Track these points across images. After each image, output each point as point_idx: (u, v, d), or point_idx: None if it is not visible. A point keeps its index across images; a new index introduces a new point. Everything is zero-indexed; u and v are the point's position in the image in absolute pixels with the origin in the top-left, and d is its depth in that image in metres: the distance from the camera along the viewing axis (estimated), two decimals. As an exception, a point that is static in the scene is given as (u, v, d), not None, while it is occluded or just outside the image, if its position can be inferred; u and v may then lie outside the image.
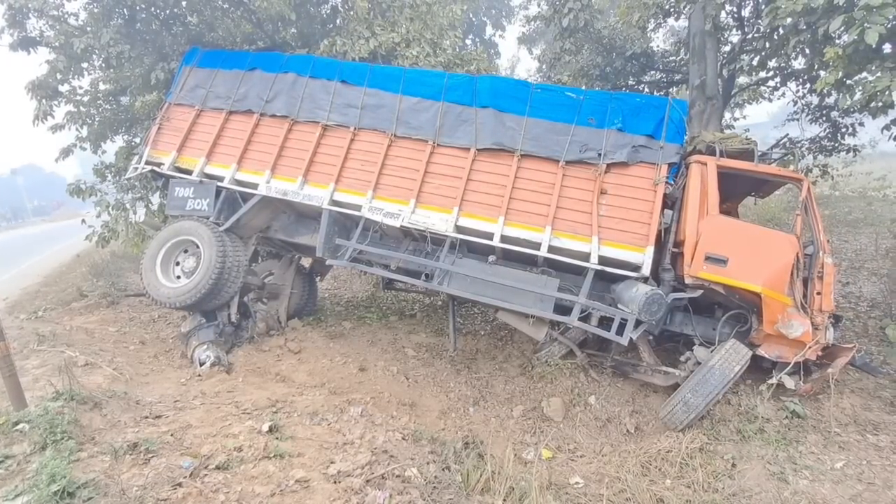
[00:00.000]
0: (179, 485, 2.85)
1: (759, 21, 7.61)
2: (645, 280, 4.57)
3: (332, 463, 3.30)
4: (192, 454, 3.21)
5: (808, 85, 9.31)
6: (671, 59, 10.69)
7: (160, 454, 3.18)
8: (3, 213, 44.60)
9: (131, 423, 3.67)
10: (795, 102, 10.17)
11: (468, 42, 17.11)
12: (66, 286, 9.39)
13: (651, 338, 5.21)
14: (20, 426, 3.26)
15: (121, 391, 4.23)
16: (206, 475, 3.00)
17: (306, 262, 7.38)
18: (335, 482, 3.09)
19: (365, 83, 5.69)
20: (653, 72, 10.90)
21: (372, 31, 6.91)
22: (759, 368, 4.72)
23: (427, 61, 6.97)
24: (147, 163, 6.09)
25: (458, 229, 5.04)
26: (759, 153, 4.86)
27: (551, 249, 4.75)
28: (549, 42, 13.87)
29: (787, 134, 7.19)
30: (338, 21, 7.98)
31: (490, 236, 4.89)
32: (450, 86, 5.46)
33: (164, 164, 5.96)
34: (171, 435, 3.48)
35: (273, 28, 7.77)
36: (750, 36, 8.54)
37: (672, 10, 8.55)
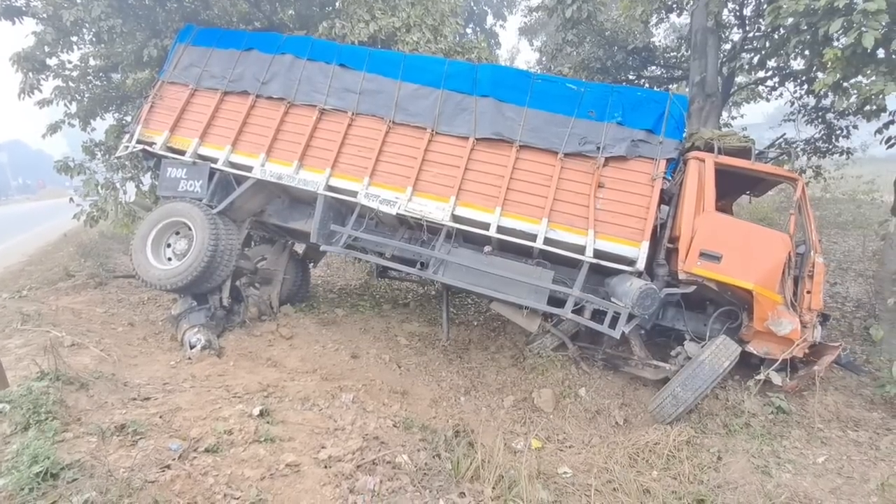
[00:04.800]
0: (168, 467, 2.82)
1: (761, 20, 7.62)
2: (639, 274, 4.59)
3: (323, 448, 3.30)
4: (181, 437, 3.19)
5: (805, 86, 9.38)
6: (672, 54, 10.69)
7: (148, 436, 3.14)
8: None
9: (119, 405, 3.62)
10: (792, 103, 10.24)
11: (468, 31, 16.93)
12: (52, 266, 9.21)
13: (643, 332, 5.25)
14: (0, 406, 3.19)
15: (108, 373, 4.17)
16: (195, 458, 2.98)
17: (300, 247, 7.31)
18: (326, 467, 3.10)
19: (364, 68, 5.60)
20: (653, 67, 10.90)
21: (372, 14, 6.78)
22: (747, 364, 4.80)
23: (427, 48, 6.87)
24: (138, 142, 5.95)
25: (455, 219, 5.02)
26: (756, 152, 4.88)
27: (547, 241, 4.75)
28: (551, 33, 13.79)
29: (784, 133, 7.25)
30: (337, 3, 7.83)
31: (486, 226, 4.87)
32: (450, 73, 5.40)
33: (156, 144, 5.83)
34: (160, 417, 3.44)
35: (271, 8, 7.62)
36: (751, 34, 8.55)
37: (675, 5, 8.52)
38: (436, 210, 5.02)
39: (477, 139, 5.13)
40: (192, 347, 5.01)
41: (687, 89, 8.81)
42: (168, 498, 2.55)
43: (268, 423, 3.50)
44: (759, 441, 4.07)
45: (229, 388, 4.14)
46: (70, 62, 7.53)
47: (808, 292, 4.54)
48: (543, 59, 12.06)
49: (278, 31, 6.94)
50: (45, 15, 6.54)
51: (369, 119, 5.45)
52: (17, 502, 2.38)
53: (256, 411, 3.58)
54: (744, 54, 8.71)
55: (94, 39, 7.18)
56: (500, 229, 4.85)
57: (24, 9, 6.70)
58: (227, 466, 2.93)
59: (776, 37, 6.92)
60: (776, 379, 4.47)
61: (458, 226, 5.02)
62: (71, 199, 7.64)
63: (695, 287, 4.63)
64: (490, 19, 19.32)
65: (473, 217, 4.96)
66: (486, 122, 5.14)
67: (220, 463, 2.95)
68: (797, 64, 8.90)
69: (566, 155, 4.91)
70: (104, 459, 2.77)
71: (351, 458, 3.22)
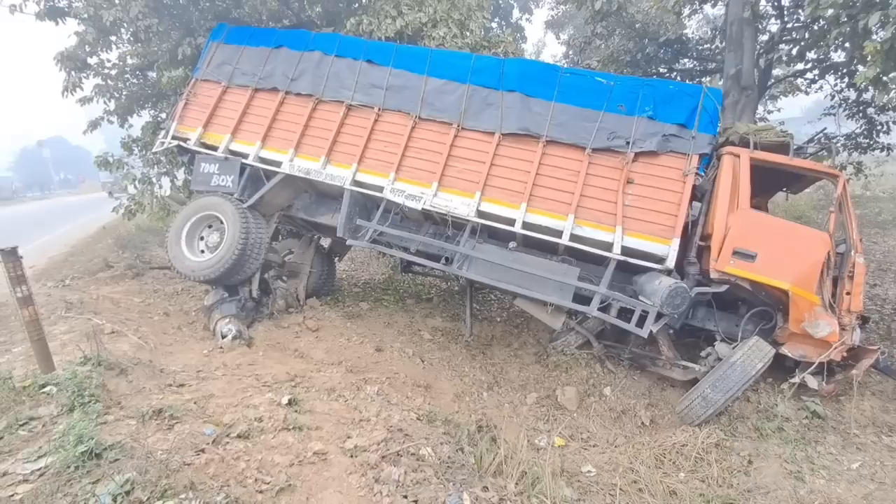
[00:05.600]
0: (202, 451, 2.92)
1: (800, 10, 7.31)
2: (669, 273, 4.49)
3: (348, 438, 3.36)
4: (215, 422, 3.30)
5: (846, 79, 8.97)
6: (706, 46, 10.35)
7: (184, 421, 3.27)
8: (28, 185, 45.76)
9: (156, 390, 3.78)
10: (833, 96, 9.81)
11: (493, 25, 16.77)
12: (92, 257, 9.62)
13: (671, 331, 5.14)
14: (47, 388, 3.37)
15: (146, 359, 4.36)
16: (227, 443, 3.08)
17: (326, 242, 7.43)
18: (352, 456, 3.15)
19: (391, 63, 5.63)
20: (686, 59, 10.58)
21: (399, 10, 6.80)
22: (780, 367, 4.65)
23: (454, 42, 6.84)
24: (173, 138, 6.15)
25: (480, 214, 5.00)
26: (795, 147, 4.70)
27: (573, 238, 4.69)
28: (578, 26, 13.56)
29: (825, 128, 6.92)
30: (364, 0, 7.88)
31: (512, 222, 4.85)
32: (476, 68, 5.37)
33: (189, 140, 6.02)
34: (195, 403, 3.57)
35: (299, 6, 7.72)
36: (790, 25, 8.21)
37: (709, -5, 8.25)
38: (461, 205, 5.02)
39: (503, 134, 5.09)
40: (223, 337, 5.17)
41: (721, 82, 8.54)
42: (203, 480, 2.65)
43: (296, 411, 3.58)
44: (792, 446, 3.95)
45: (259, 377, 4.26)
46: (109, 61, 7.81)
47: (848, 293, 4.35)
48: (570, 52, 11.87)
49: (307, 28, 7.03)
50: (86, 15, 6.78)
51: (395, 114, 5.48)
52: (65, 479, 2.52)
53: (285, 400, 3.67)
54: (782, 45, 8.36)
55: (131, 39, 7.43)
56: (526, 225, 4.82)
57: (66, 9, 6.98)
58: (258, 452, 3.02)
59: (816, 28, 6.65)
60: (812, 383, 4.33)
61: (483, 221, 5.00)
62: (110, 193, 7.96)
63: (727, 286, 4.51)
64: (516, 13, 19.09)
65: (498, 213, 4.94)
66: (512, 117, 5.10)
67: (252, 448, 3.04)
68: (838, 56, 8.53)
69: (594, 150, 4.83)
70: (143, 442, 2.90)
71: (376, 448, 3.26)
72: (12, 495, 2.43)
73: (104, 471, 2.56)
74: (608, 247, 4.61)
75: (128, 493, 2.40)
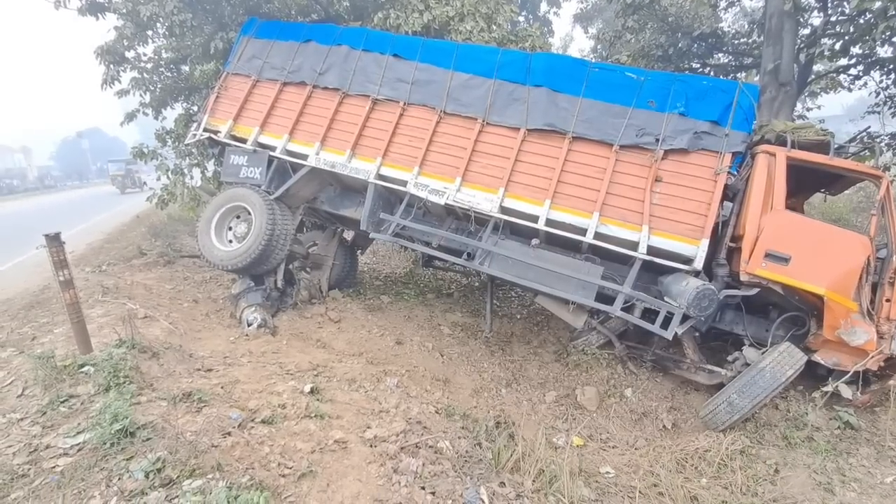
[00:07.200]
0: (229, 434, 3.02)
1: (845, 3, 6.96)
2: (696, 274, 4.38)
3: (368, 428, 3.41)
4: (240, 407, 3.40)
5: (892, 75, 8.53)
6: (742, 40, 9.95)
7: (211, 404, 3.38)
8: (67, 174, 47.76)
9: (185, 374, 3.91)
10: (877, 93, 9.34)
11: (521, 19, 16.57)
12: (127, 244, 10.00)
13: (697, 334, 5.02)
14: (85, 368, 3.54)
15: (176, 344, 4.52)
16: (252, 427, 3.17)
17: (348, 235, 7.53)
18: (371, 446, 3.20)
19: (417, 58, 5.63)
20: (720, 54, 10.21)
21: (426, 4, 6.79)
22: (812, 375, 4.50)
23: (481, 37, 6.80)
24: (205, 130, 6.32)
25: (503, 210, 4.97)
26: (835, 146, 4.50)
27: (598, 236, 4.62)
28: (608, 20, 13.26)
29: (869, 127, 6.58)
30: (391, -7, 7.88)
31: (535, 219, 4.80)
32: (503, 62, 5.32)
33: (220, 132, 6.16)
34: (221, 388, 3.69)
35: (327, 0, 7.79)
36: (833, 19, 7.83)
37: (747, -13, 7.94)
38: (484, 201, 5.01)
39: (528, 130, 5.04)
40: (249, 325, 5.31)
41: (758, 78, 8.23)
42: (229, 462, 2.74)
43: (318, 400, 3.66)
44: (822, 456, 3.83)
45: (282, 365, 4.36)
46: (145, 55, 8.07)
47: (888, 300, 4.17)
48: (599, 47, 11.63)
49: (335, 22, 7.10)
50: (124, 10, 7.00)
51: (420, 109, 5.48)
52: (101, 454, 2.65)
53: (307, 388, 3.76)
54: (824, 40, 7.98)
55: (166, 33, 7.64)
56: (549, 222, 4.77)
57: (106, 4, 7.23)
58: (281, 438, 3.10)
59: (861, 21, 6.33)
60: (846, 392, 4.17)
61: (505, 217, 4.97)
62: (145, 184, 8.23)
63: (757, 290, 4.37)
64: (544, 6, 18.81)
65: (522, 209, 4.90)
66: (538, 113, 5.04)
67: (275, 434, 3.13)
68: (884, 51, 8.12)
69: (622, 147, 4.73)
70: (174, 423, 3.01)
71: (395, 439, 3.30)
72: (54, 467, 2.58)
73: (137, 448, 2.68)
74: (634, 246, 4.52)
75: (159, 470, 2.51)
